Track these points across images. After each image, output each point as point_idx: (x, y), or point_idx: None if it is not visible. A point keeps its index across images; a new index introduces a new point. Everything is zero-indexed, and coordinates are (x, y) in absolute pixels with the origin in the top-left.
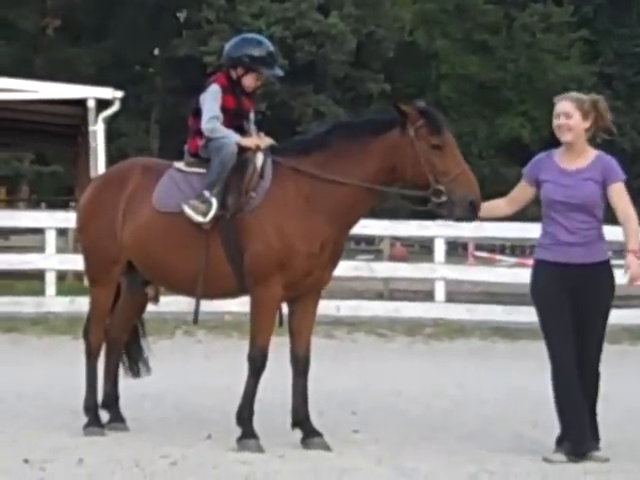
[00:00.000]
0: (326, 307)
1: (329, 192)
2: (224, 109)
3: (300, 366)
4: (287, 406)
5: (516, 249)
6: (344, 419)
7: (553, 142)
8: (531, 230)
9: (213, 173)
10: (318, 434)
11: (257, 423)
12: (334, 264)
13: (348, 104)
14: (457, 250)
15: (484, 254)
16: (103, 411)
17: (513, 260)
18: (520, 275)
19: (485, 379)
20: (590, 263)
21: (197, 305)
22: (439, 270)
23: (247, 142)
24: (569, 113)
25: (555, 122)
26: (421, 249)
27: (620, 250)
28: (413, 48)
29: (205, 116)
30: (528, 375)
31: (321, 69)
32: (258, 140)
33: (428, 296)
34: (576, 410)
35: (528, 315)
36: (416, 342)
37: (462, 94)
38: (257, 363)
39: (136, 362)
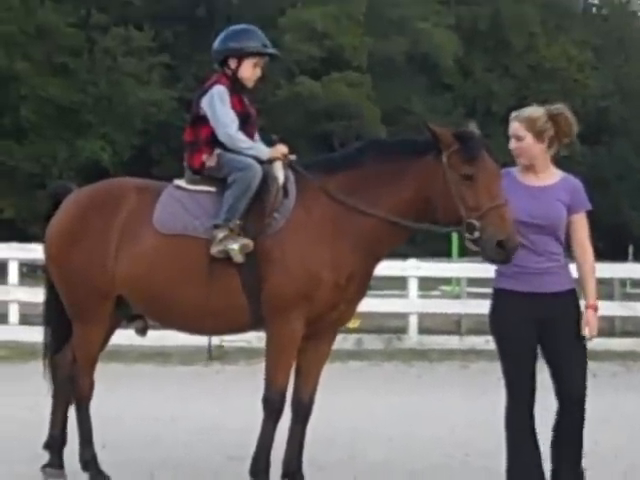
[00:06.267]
0: None
1: (356, 219)
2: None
3: (302, 412)
4: None
5: None
6: None
7: (132, 165)
8: None
9: (239, 198)
10: None
11: None
12: (360, 298)
13: None
14: (36, 272)
15: None
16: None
17: None
18: None
19: None
20: (559, 292)
21: (210, 341)
22: (13, 292)
23: (275, 153)
24: (520, 136)
25: (510, 144)
26: None
27: None
28: None
29: (222, 123)
30: None
31: None
32: (283, 148)
33: (3, 318)
34: (523, 441)
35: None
36: None
37: (42, 116)
38: (274, 406)
39: None
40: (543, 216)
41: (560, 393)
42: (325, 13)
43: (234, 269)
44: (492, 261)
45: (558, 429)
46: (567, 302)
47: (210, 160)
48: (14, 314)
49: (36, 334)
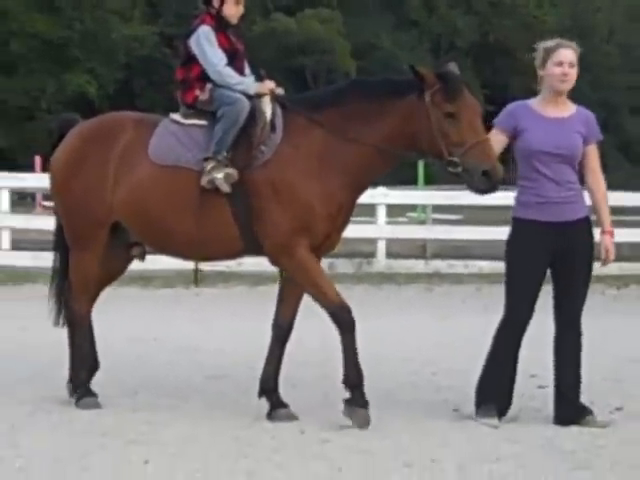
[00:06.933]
0: None
1: (343, 152)
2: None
3: (282, 333)
4: None
5: None
6: None
7: (117, 98)
8: None
9: (227, 131)
10: (284, 405)
11: None
12: (345, 226)
13: None
14: (26, 199)
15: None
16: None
17: None
18: None
19: None
20: (577, 220)
21: (196, 266)
22: (4, 219)
23: (262, 88)
24: (573, 63)
25: (557, 70)
26: None
27: None
28: None
29: (210, 61)
30: None
31: None
32: (270, 84)
33: None
34: (507, 358)
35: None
36: None
37: (31, 51)
38: (342, 319)
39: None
40: (566, 146)
41: (560, 312)
42: None
43: (224, 199)
44: (479, 191)
45: (559, 350)
46: (582, 229)
47: (203, 94)
48: (6, 241)
49: (27, 260)
